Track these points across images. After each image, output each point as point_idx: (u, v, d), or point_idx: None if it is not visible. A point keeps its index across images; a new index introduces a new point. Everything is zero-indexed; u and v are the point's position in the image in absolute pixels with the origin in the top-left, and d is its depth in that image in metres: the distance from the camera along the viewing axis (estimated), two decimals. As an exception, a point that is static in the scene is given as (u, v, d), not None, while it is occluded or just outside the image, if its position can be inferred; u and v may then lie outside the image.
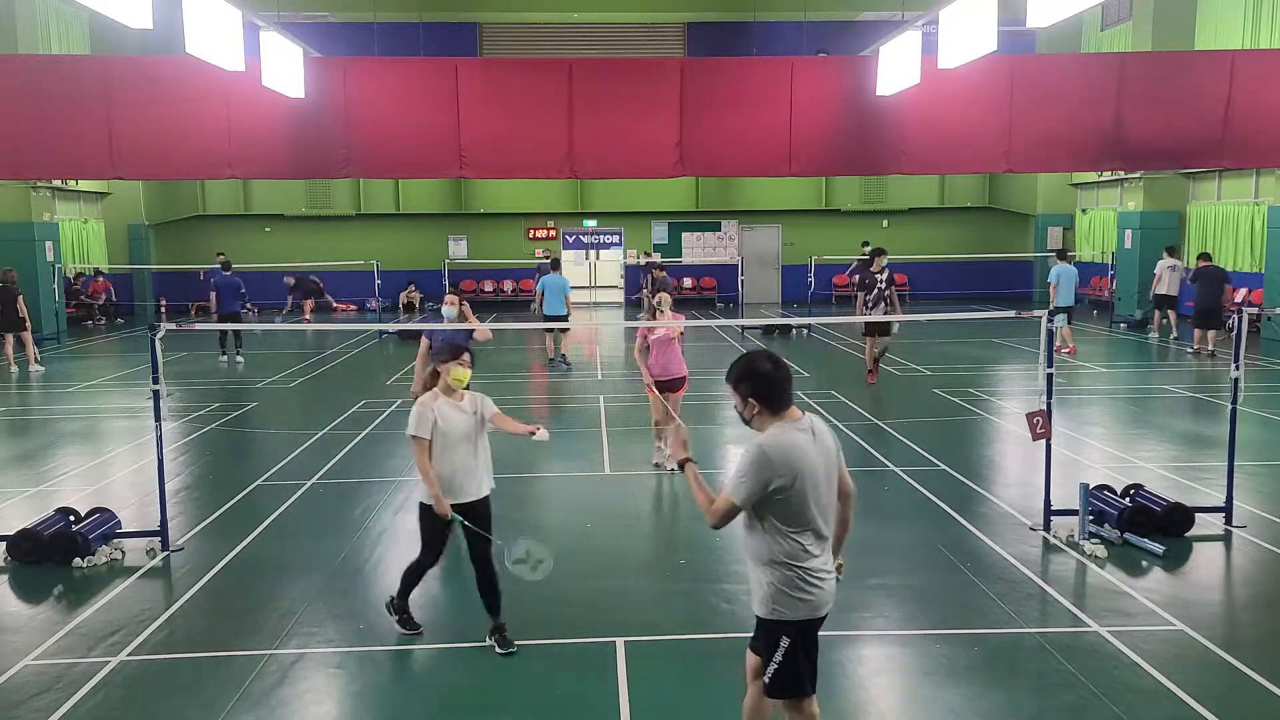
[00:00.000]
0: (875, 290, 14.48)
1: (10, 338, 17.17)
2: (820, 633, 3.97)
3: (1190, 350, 17.55)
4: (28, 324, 17.34)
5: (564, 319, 16.24)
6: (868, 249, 27.15)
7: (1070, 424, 11.47)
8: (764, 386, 3.86)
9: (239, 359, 17.81)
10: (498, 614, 5.80)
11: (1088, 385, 14.55)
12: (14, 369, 16.94)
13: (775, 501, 3.75)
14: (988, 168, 20.26)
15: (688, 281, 30.09)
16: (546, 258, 26.84)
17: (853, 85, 14.19)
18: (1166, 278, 19.81)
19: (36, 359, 17.31)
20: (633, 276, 29.56)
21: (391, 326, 21.54)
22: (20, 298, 17.14)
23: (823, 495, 3.84)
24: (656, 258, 26.94)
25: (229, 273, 18.79)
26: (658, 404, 9.54)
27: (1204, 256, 18.13)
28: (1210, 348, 17.07)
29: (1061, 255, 18.57)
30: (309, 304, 26.25)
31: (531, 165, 14.43)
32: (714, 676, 5.48)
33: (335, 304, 28.25)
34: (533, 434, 5.72)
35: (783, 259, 30.65)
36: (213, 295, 18.41)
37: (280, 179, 25.99)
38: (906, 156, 14.19)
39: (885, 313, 14.34)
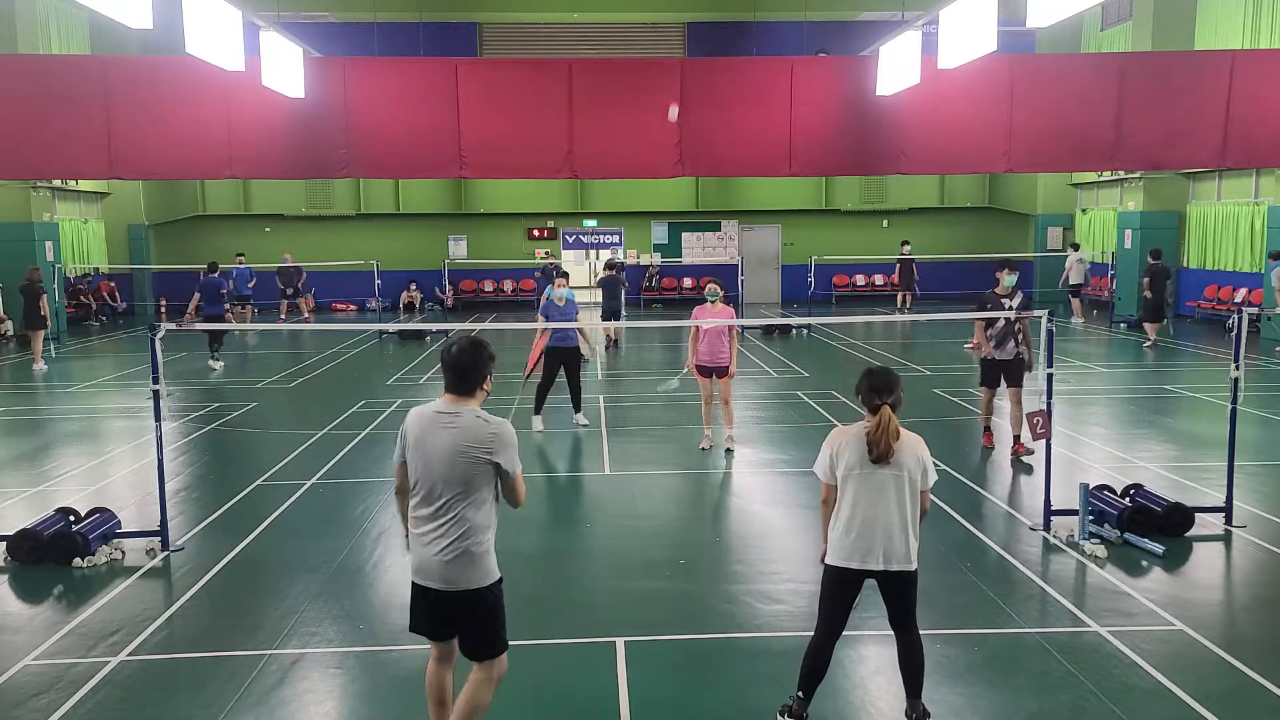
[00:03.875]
0: (1002, 321, 9.92)
1: (40, 334, 17.34)
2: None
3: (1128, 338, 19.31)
4: (47, 323, 17.53)
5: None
6: (907, 248, 26.76)
7: (1070, 424, 11.47)
8: (443, 368, 4.29)
9: (216, 363, 17.02)
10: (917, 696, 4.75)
11: (1087, 385, 14.53)
12: (38, 365, 16.98)
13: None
14: (988, 168, 20.28)
15: (688, 282, 30.08)
16: (548, 257, 26.90)
17: (853, 85, 14.19)
18: (1075, 270, 21.80)
19: (43, 355, 17.40)
20: (634, 278, 29.53)
21: (390, 327, 21.54)
22: (44, 297, 17.29)
23: (434, 472, 4.12)
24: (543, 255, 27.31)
25: (216, 274, 18.01)
26: (705, 387, 10.51)
27: (1155, 254, 18.97)
28: (1152, 339, 18.30)
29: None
30: (308, 302, 26.14)
31: (531, 165, 14.44)
32: (714, 676, 5.48)
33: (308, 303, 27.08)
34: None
35: (783, 259, 30.64)
36: (196, 295, 17.86)
37: (280, 179, 25.96)
38: (906, 156, 14.19)
39: (1017, 351, 10.03)
